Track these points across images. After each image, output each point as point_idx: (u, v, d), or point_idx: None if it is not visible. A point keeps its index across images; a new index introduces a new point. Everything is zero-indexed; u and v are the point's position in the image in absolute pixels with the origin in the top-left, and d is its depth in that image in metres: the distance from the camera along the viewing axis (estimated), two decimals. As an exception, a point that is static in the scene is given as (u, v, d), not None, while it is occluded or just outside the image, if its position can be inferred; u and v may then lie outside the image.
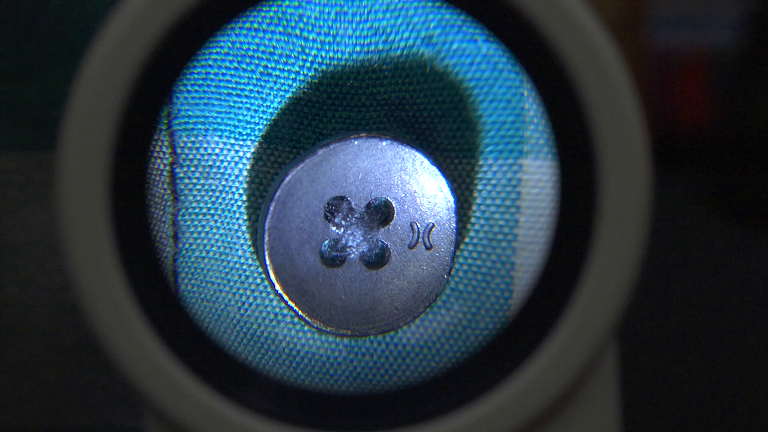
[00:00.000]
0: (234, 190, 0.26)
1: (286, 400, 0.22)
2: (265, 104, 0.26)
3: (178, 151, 0.26)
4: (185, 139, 0.26)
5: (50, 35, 0.30)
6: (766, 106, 0.91)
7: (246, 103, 0.26)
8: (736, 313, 0.70)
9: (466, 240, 0.26)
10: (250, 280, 0.26)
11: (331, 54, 0.26)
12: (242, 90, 0.26)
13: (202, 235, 0.26)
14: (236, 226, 0.26)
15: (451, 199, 0.26)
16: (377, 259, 0.26)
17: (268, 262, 0.26)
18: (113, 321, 0.21)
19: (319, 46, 0.26)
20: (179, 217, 0.26)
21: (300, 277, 0.26)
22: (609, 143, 0.22)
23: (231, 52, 0.26)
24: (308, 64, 0.26)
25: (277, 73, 0.26)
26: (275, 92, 0.26)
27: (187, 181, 0.26)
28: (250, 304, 0.26)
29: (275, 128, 0.26)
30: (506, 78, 0.26)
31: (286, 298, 0.26)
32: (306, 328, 0.26)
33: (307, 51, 0.26)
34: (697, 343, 0.66)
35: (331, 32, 0.26)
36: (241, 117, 0.26)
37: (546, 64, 0.22)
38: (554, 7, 0.21)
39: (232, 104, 0.26)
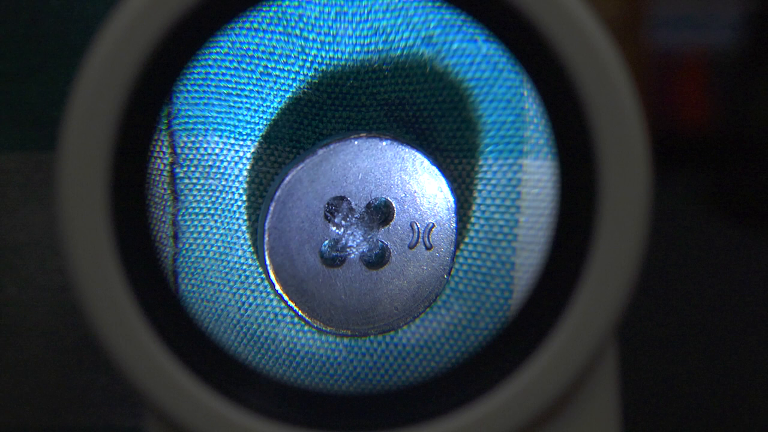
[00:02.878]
0: (234, 190, 0.26)
1: (286, 400, 0.22)
2: (265, 104, 0.26)
3: (178, 151, 0.26)
4: (185, 139, 0.26)
5: (50, 35, 0.30)
6: (766, 106, 0.91)
7: (246, 103, 0.26)
8: (736, 313, 0.70)
9: (466, 240, 0.26)
10: (250, 280, 0.26)
11: (331, 54, 0.26)
12: (242, 90, 0.26)
13: (202, 235, 0.26)
14: (236, 226, 0.26)
15: (451, 199, 0.26)
16: (377, 259, 0.26)
17: (268, 262, 0.26)
18: (113, 321, 0.21)
19: (319, 46, 0.26)
20: (179, 217, 0.26)
21: (300, 277, 0.26)
22: (609, 143, 0.22)
23: (231, 52, 0.26)
24: (308, 64, 0.26)
25: (277, 73, 0.26)
26: (275, 92, 0.26)
27: (187, 181, 0.26)
28: (250, 304, 0.26)
29: (275, 128, 0.26)
30: (506, 78, 0.26)
31: (286, 298, 0.26)
32: (306, 328, 0.26)
33: (307, 51, 0.26)
34: (697, 343, 0.66)
35: (331, 32, 0.26)
36: (241, 117, 0.26)
37: (546, 64, 0.22)
38: (554, 7, 0.21)
39: (232, 104, 0.26)
